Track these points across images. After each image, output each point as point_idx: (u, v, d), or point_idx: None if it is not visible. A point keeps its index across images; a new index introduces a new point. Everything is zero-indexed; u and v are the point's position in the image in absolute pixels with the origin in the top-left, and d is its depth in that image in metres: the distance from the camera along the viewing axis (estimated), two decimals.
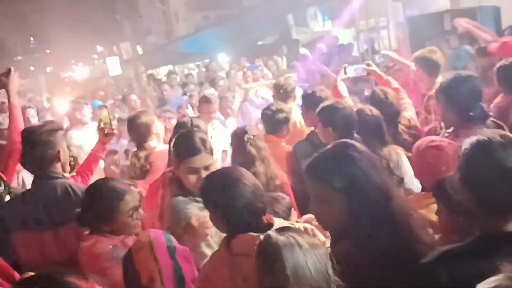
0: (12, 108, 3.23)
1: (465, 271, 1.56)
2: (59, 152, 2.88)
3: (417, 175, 2.98)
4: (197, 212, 2.54)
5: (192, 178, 2.59)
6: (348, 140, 1.99)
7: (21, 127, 3.23)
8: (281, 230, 1.68)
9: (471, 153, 1.64)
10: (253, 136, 3.21)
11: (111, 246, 2.38)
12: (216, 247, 2.50)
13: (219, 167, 2.41)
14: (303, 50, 12.32)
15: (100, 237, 2.44)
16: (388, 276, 1.68)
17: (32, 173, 2.94)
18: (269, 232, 1.66)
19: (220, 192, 2.03)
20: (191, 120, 3.53)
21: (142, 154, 3.78)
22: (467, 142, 1.67)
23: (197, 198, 2.57)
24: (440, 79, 4.40)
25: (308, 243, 1.59)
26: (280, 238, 1.59)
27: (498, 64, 3.89)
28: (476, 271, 1.50)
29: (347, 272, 1.62)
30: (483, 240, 1.62)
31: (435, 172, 2.56)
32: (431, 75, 4.49)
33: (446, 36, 7.54)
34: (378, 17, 9.76)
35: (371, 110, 3.50)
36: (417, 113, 4.35)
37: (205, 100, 5.12)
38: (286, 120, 3.98)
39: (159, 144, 3.93)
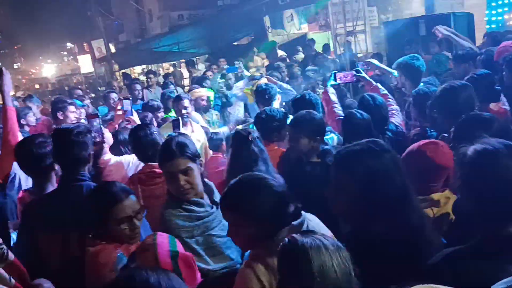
0: (7, 109, 3.18)
1: (470, 273, 1.63)
2: (90, 154, 2.88)
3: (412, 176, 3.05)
4: (182, 223, 2.59)
5: (172, 183, 2.63)
6: (376, 139, 2.07)
7: (16, 128, 3.18)
8: (305, 233, 1.73)
9: (476, 161, 1.71)
10: (257, 137, 3.25)
11: (116, 256, 2.33)
12: (204, 255, 2.56)
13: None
14: (280, 52, 12.42)
15: (105, 244, 2.39)
16: (399, 274, 1.75)
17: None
18: (293, 235, 1.71)
19: (255, 199, 2.01)
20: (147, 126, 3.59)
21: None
22: (471, 150, 1.73)
23: (185, 206, 2.61)
24: (421, 86, 4.53)
25: (332, 244, 1.64)
26: (306, 240, 1.64)
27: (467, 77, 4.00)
28: (480, 272, 1.59)
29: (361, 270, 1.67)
30: (486, 242, 1.69)
31: (431, 169, 2.65)
32: (413, 82, 4.60)
33: (430, 42, 7.73)
34: (355, 21, 9.89)
35: (362, 114, 3.58)
36: None
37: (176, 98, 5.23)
38: (280, 127, 3.94)
39: (113, 157, 3.82)
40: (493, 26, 10.61)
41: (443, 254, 1.73)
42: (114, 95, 6.94)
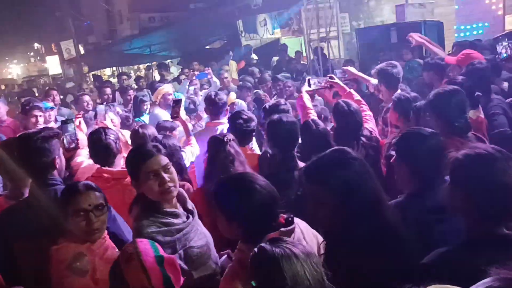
0: None
1: (465, 272, 1.65)
2: (54, 159, 2.82)
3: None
4: (164, 239, 2.45)
5: (155, 183, 2.49)
6: (344, 148, 2.09)
7: None
8: (274, 241, 1.70)
9: (471, 164, 1.78)
10: (232, 139, 3.24)
11: (73, 254, 2.35)
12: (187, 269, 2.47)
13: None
14: (254, 56, 12.43)
15: (68, 242, 2.41)
16: (382, 275, 1.77)
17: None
18: (263, 244, 1.68)
19: (238, 198, 2.04)
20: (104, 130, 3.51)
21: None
22: (463, 154, 1.81)
23: (162, 219, 2.49)
24: (397, 93, 4.58)
25: (303, 252, 1.64)
26: (276, 250, 1.63)
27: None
28: (474, 271, 1.61)
29: (340, 276, 1.70)
30: (479, 242, 1.75)
31: None
32: (390, 88, 4.64)
33: (403, 49, 7.86)
34: (328, 27, 9.97)
35: (317, 124, 3.63)
36: None
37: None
38: (254, 131, 4.00)
39: (86, 159, 3.79)
40: (461, 34, 10.88)
41: (438, 253, 1.79)
42: (86, 98, 6.79)
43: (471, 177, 1.77)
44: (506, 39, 3.97)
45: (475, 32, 10.75)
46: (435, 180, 2.26)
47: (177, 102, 4.45)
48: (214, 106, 4.72)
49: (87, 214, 2.41)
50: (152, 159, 2.52)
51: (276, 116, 3.51)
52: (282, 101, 4.24)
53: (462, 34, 10.83)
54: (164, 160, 2.55)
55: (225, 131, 4.22)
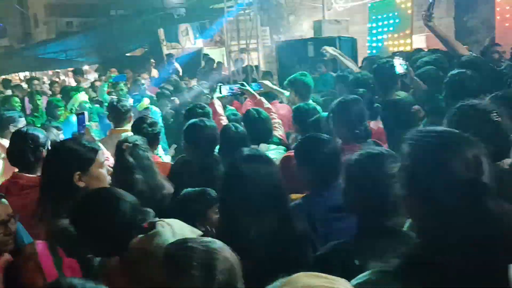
0: None
1: (353, 262, 1.75)
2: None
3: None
4: None
5: None
6: (259, 151, 2.21)
7: None
8: (181, 242, 1.74)
9: (361, 164, 1.92)
10: (133, 145, 3.03)
11: None
12: None
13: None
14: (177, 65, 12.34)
15: None
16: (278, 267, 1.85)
17: None
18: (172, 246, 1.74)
19: (100, 214, 2.04)
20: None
21: None
22: (358, 155, 1.96)
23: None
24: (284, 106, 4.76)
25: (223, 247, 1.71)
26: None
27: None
28: (361, 261, 1.72)
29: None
30: (367, 235, 1.86)
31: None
32: (302, 98, 4.79)
33: (318, 63, 8.15)
34: (248, 39, 10.14)
35: (237, 128, 3.69)
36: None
37: None
38: (159, 133, 4.01)
39: None
40: (374, 51, 11.47)
41: (331, 246, 1.91)
42: None
43: (361, 175, 1.90)
44: (401, 58, 4.31)
45: (386, 43, 11.37)
46: (333, 182, 2.42)
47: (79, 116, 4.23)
48: (116, 113, 4.64)
49: (5, 225, 2.23)
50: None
51: (193, 120, 3.50)
52: (200, 105, 4.24)
53: (374, 51, 11.42)
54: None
55: None
